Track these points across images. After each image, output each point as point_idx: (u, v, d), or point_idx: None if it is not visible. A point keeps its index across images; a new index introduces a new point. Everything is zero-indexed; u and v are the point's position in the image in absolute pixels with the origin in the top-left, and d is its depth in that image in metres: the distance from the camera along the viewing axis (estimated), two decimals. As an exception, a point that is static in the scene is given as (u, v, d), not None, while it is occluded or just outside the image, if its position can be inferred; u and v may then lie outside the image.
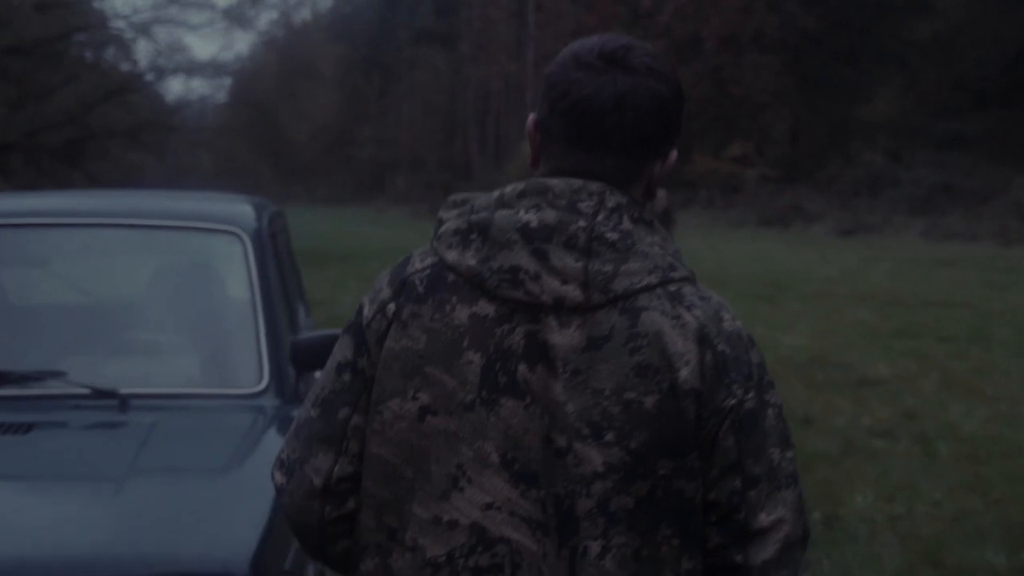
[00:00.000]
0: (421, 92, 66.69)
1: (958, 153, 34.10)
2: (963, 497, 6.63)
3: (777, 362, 9.76)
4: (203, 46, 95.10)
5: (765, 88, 40.55)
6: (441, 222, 1.79)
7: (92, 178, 32.06)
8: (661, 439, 1.65)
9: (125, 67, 42.10)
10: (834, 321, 14.15)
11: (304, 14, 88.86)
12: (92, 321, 4.14)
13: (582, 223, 1.66)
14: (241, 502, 2.98)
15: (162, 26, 37.48)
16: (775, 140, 41.12)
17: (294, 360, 3.76)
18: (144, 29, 36.83)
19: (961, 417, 8.76)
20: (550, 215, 1.66)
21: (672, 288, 1.70)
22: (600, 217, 1.67)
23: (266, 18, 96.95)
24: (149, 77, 40.08)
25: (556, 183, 1.70)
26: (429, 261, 1.77)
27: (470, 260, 1.69)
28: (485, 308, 1.69)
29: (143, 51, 57.98)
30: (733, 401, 1.69)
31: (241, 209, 4.35)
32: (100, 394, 3.48)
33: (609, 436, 1.64)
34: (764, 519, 1.71)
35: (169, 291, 4.25)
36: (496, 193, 1.75)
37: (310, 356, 3.76)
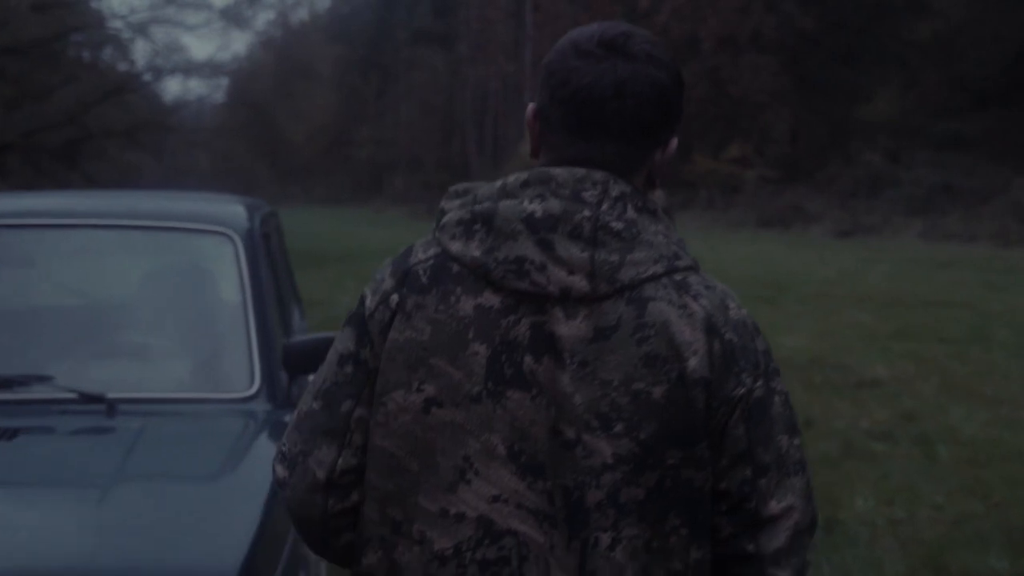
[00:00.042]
0: (419, 92, 66.66)
1: (958, 153, 34.04)
2: (964, 501, 6.57)
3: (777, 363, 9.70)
4: (200, 46, 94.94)
5: (764, 88, 40.47)
6: (443, 212, 1.78)
7: (89, 178, 32.01)
8: (670, 429, 1.65)
9: (122, 67, 42.06)
10: (833, 322, 14.10)
11: (301, 14, 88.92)
12: (79, 324, 4.06)
13: (587, 212, 1.65)
14: (231, 509, 2.91)
15: (159, 26, 37.48)
16: (774, 140, 41.04)
17: (286, 364, 3.69)
18: (141, 29, 36.84)
19: (961, 420, 8.70)
20: (555, 205, 1.65)
21: (678, 277, 1.69)
22: (605, 206, 1.66)
23: (263, 18, 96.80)
24: (147, 77, 40.05)
25: (559, 172, 1.69)
26: (432, 252, 1.75)
27: (474, 251, 1.68)
28: (490, 299, 1.68)
29: (140, 51, 57.93)
30: (743, 390, 1.69)
31: (232, 209, 4.28)
32: (87, 399, 3.41)
33: (618, 427, 1.64)
34: (774, 507, 1.71)
35: (159, 293, 4.17)
36: (499, 183, 1.74)
37: (303, 359, 3.70)
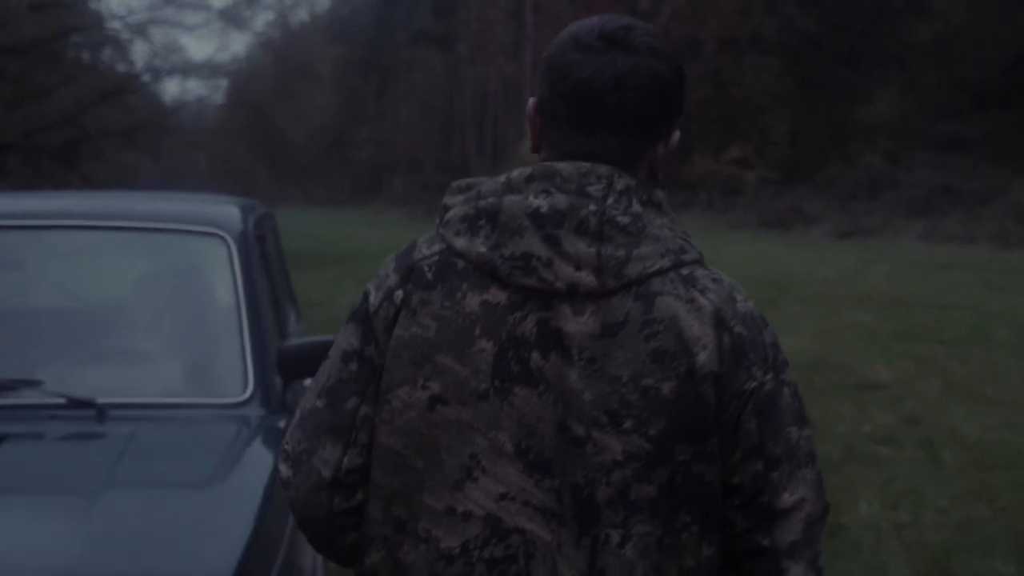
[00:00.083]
0: (419, 93, 66.60)
1: (957, 155, 33.98)
2: (969, 505, 6.50)
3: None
4: (199, 47, 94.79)
5: (765, 90, 40.41)
6: (447, 208, 1.77)
7: (87, 179, 31.95)
8: (679, 425, 1.64)
9: (121, 68, 41.99)
10: (833, 323, 14.05)
11: (301, 15, 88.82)
12: (69, 326, 3.98)
13: (592, 207, 1.64)
14: (222, 517, 2.84)
15: (158, 27, 37.39)
16: (775, 142, 40.98)
17: (281, 368, 3.62)
18: (140, 30, 36.75)
19: (964, 422, 8.63)
20: (560, 200, 1.64)
21: (685, 271, 1.69)
22: (610, 200, 1.65)
23: (262, 19, 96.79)
24: (145, 78, 39.96)
25: (564, 167, 1.68)
26: (437, 248, 1.74)
27: (480, 247, 1.67)
28: (496, 295, 1.67)
29: (139, 52, 57.88)
30: (754, 384, 1.68)
31: (226, 211, 4.20)
32: (77, 404, 3.34)
33: (627, 424, 1.63)
34: (787, 499, 1.70)
35: (150, 296, 4.09)
36: (503, 178, 1.73)
37: (298, 364, 3.63)
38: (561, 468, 1.65)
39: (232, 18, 44.30)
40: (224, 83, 58.95)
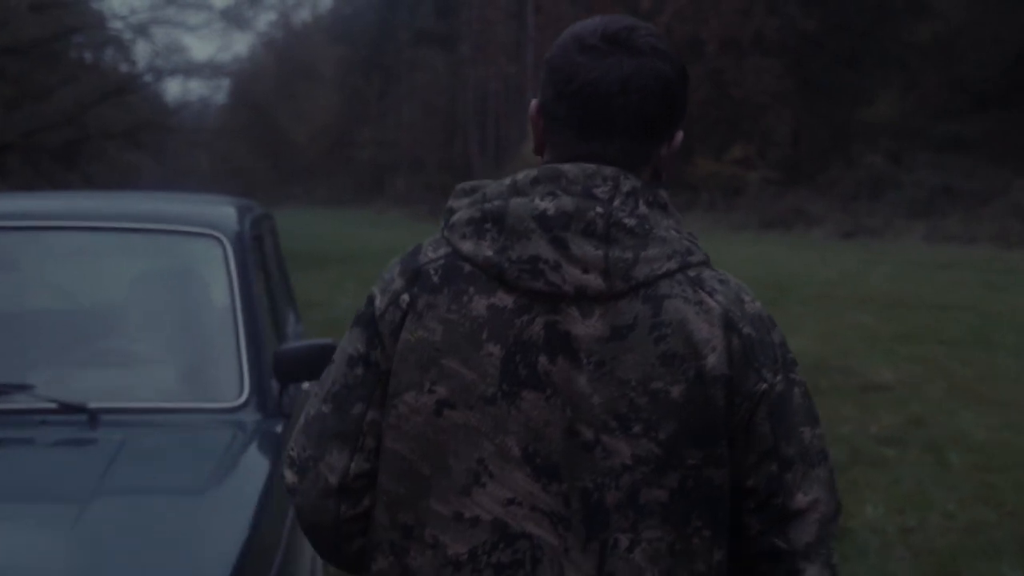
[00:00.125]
0: (421, 93, 66.54)
1: (958, 155, 33.91)
2: (976, 509, 6.42)
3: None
4: (201, 47, 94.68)
5: (766, 90, 40.33)
6: (451, 211, 1.75)
7: (88, 179, 31.90)
8: (689, 428, 1.63)
9: (124, 68, 41.93)
10: (835, 324, 13.99)
11: (303, 15, 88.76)
12: (61, 330, 3.88)
13: (599, 209, 1.62)
14: (216, 525, 2.77)
15: (159, 27, 37.34)
16: (776, 143, 40.92)
17: (277, 371, 3.55)
18: (142, 30, 36.67)
19: (970, 424, 8.56)
20: (567, 202, 1.63)
21: (692, 273, 1.68)
22: (617, 202, 1.64)
23: (264, 19, 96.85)
24: (147, 78, 39.88)
25: (569, 168, 1.66)
26: (442, 251, 1.72)
27: (487, 251, 1.65)
28: (503, 299, 1.66)
29: (141, 52, 57.78)
30: (764, 386, 1.67)
31: (222, 211, 4.12)
32: (68, 409, 3.26)
33: (637, 428, 1.62)
34: (801, 500, 1.70)
35: (144, 298, 4.00)
36: (508, 180, 1.71)
37: (295, 367, 3.56)
38: (569, 472, 1.63)
39: (234, 18, 44.12)
40: (226, 83, 58.93)
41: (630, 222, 1.63)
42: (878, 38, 40.19)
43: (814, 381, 9.84)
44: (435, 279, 1.70)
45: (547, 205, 1.63)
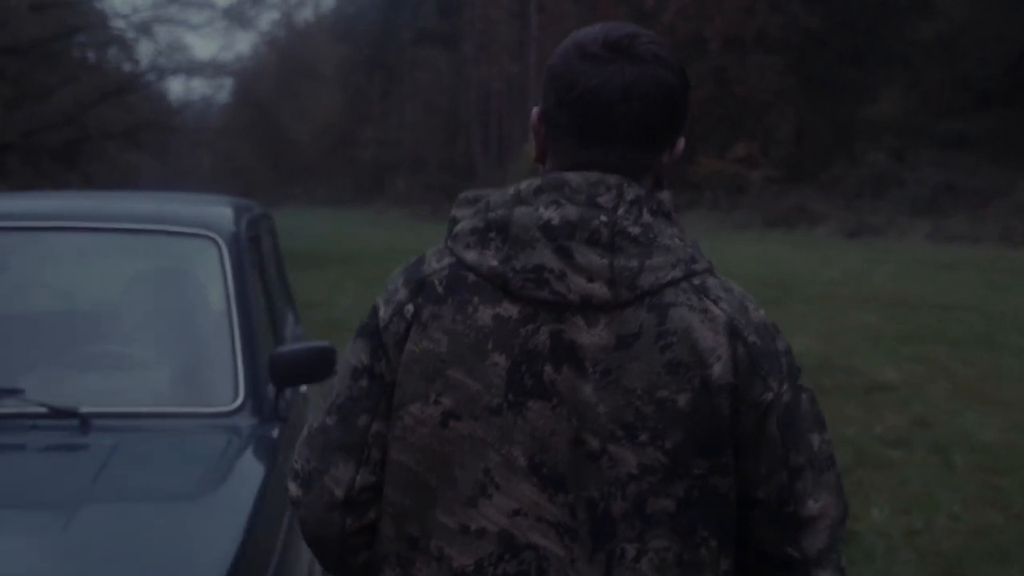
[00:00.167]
0: (423, 93, 66.53)
1: (961, 153, 33.86)
2: (983, 511, 6.35)
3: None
4: (204, 46, 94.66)
5: (769, 88, 40.28)
6: (455, 221, 1.74)
7: (89, 179, 31.87)
8: (695, 437, 1.62)
9: (127, 67, 41.91)
10: (839, 324, 13.92)
11: (306, 14, 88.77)
12: (53, 332, 3.79)
13: (603, 218, 1.62)
14: (208, 532, 2.71)
15: (162, 26, 37.34)
16: (780, 141, 40.86)
17: (273, 375, 3.48)
18: (144, 29, 36.68)
19: (975, 425, 8.48)
20: (571, 211, 1.62)
21: (696, 281, 1.67)
22: (621, 211, 1.63)
23: (267, 18, 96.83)
24: (149, 77, 39.86)
25: (573, 177, 1.66)
26: (446, 261, 1.72)
27: (491, 260, 1.65)
28: (508, 309, 1.65)
29: (143, 51, 57.77)
30: (771, 395, 1.66)
31: (218, 211, 4.04)
32: (59, 413, 3.19)
33: (643, 436, 1.61)
34: (812, 507, 1.69)
35: (138, 300, 3.92)
36: (511, 189, 1.70)
37: (291, 370, 3.50)
38: (575, 483, 1.63)
39: (237, 17, 44.21)
40: (229, 82, 58.97)
41: (634, 231, 1.62)
42: (881, 36, 40.14)
43: (818, 381, 9.79)
44: (439, 289, 1.69)
45: (551, 214, 1.62)
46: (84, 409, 3.20)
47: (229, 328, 3.52)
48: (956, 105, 36.21)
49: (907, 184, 33.54)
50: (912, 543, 5.81)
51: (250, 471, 3.18)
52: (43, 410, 3.20)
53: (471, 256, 1.67)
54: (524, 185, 1.69)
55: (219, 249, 3.69)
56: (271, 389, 3.51)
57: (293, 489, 1.79)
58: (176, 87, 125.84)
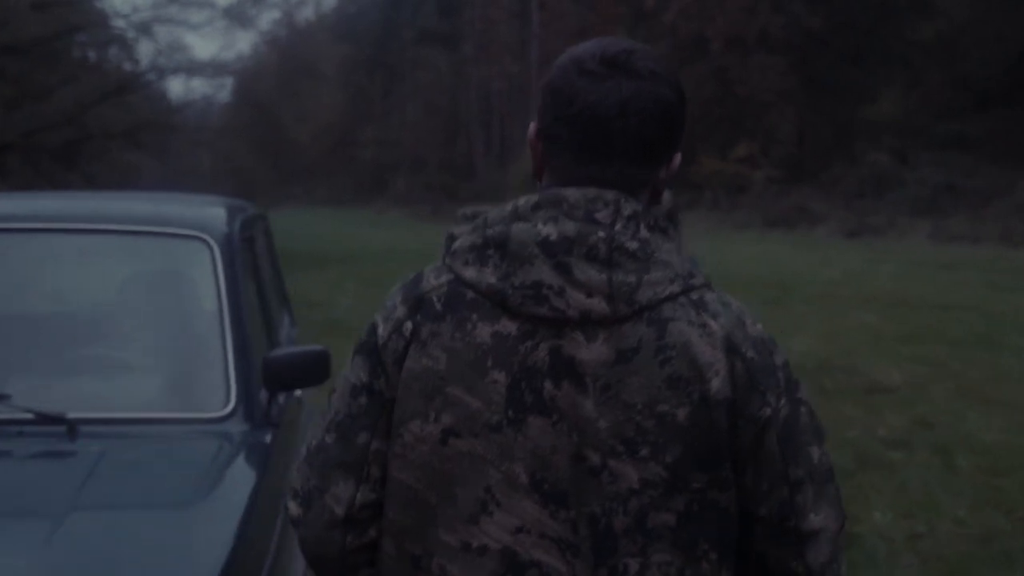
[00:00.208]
0: (424, 93, 66.48)
1: (961, 154, 33.82)
2: (987, 515, 6.27)
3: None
4: (204, 46, 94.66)
5: (771, 88, 40.22)
6: (453, 238, 1.75)
7: (89, 179, 31.83)
8: (694, 452, 1.62)
9: (127, 67, 41.85)
10: (839, 324, 13.87)
11: (307, 13, 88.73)
12: (40, 336, 3.70)
13: (601, 233, 1.62)
14: (197, 542, 2.65)
15: (162, 25, 37.31)
16: (780, 141, 40.80)
17: (266, 379, 3.41)
18: (144, 28, 36.65)
19: (977, 426, 8.42)
20: (569, 227, 1.63)
21: (694, 296, 1.67)
22: (618, 226, 1.63)
23: (268, 17, 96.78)
24: (150, 76, 39.81)
25: (571, 193, 1.66)
26: (445, 278, 1.71)
27: (490, 277, 1.65)
28: (507, 326, 1.65)
29: (144, 51, 57.67)
30: (769, 411, 1.66)
31: (210, 212, 3.97)
32: (46, 419, 3.12)
33: (644, 451, 1.61)
34: (814, 520, 1.70)
35: (128, 303, 3.84)
36: (509, 206, 1.71)
37: (284, 374, 3.43)
38: (577, 498, 1.63)
39: (237, 16, 44.22)
40: (229, 82, 58.93)
41: (632, 246, 1.62)
42: (882, 36, 40.09)
43: (818, 382, 9.75)
44: (438, 307, 1.69)
45: (549, 230, 1.63)
46: (71, 415, 3.14)
47: (221, 331, 3.46)
48: (956, 105, 36.18)
49: (907, 184, 33.52)
50: (914, 547, 5.75)
51: (241, 478, 3.11)
52: (30, 416, 3.13)
53: (470, 273, 1.67)
54: (522, 201, 1.69)
55: (211, 251, 3.62)
56: (263, 394, 3.44)
57: (293, 508, 1.78)
58: (176, 87, 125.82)
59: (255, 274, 4.22)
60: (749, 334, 1.68)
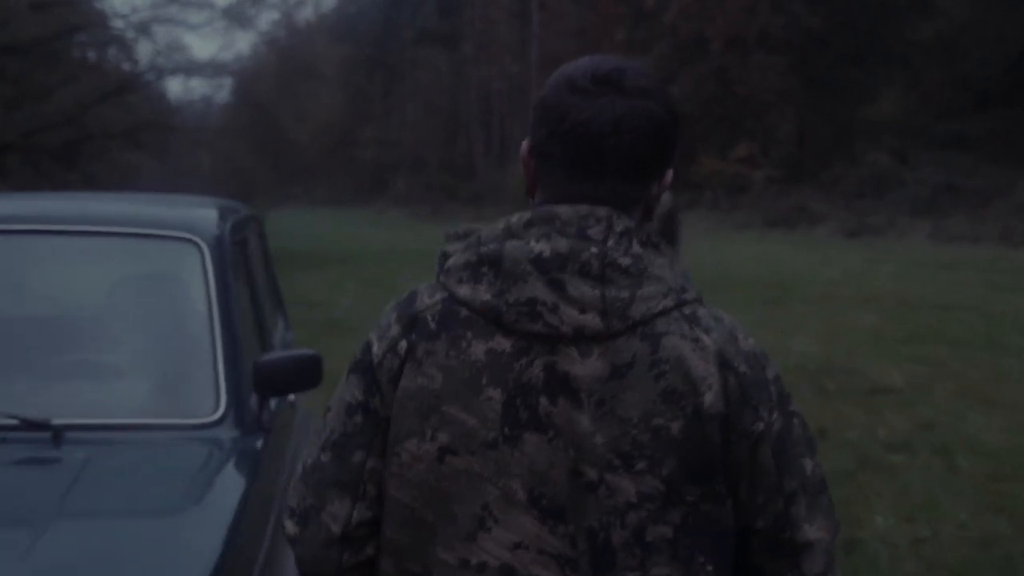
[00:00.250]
0: (424, 93, 66.43)
1: (961, 154, 33.80)
2: (990, 519, 6.21)
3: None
4: (203, 46, 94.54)
5: (771, 88, 40.18)
6: (446, 256, 1.76)
7: (89, 179, 31.80)
8: (687, 465, 1.63)
9: (126, 67, 41.79)
10: (840, 324, 13.82)
11: (306, 13, 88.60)
12: (25, 340, 3.63)
13: (594, 250, 1.63)
14: (184, 551, 2.58)
15: (161, 25, 37.26)
16: (780, 141, 40.77)
17: (257, 384, 3.34)
18: (143, 28, 36.59)
19: (979, 428, 8.37)
20: (561, 244, 1.64)
21: (687, 311, 1.68)
22: (611, 243, 1.65)
23: (267, 18, 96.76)
24: (149, 77, 39.74)
25: (563, 210, 1.67)
26: (439, 296, 1.72)
27: (484, 295, 1.66)
28: (502, 343, 1.66)
29: (143, 51, 57.62)
30: (762, 425, 1.67)
31: (201, 214, 3.91)
32: (30, 425, 3.05)
33: (640, 465, 1.62)
34: (809, 532, 1.71)
35: (116, 306, 3.76)
36: (502, 223, 1.72)
37: (275, 379, 3.37)
38: (575, 513, 1.64)
39: (236, 17, 44.03)
40: (229, 82, 58.84)
41: (625, 261, 1.63)
42: (882, 36, 40.07)
43: (819, 383, 9.70)
44: (432, 325, 1.70)
45: (542, 247, 1.64)
46: (57, 421, 3.07)
47: (211, 336, 3.39)
48: (956, 105, 36.17)
49: (907, 184, 33.50)
50: (917, 552, 5.68)
51: (230, 485, 3.05)
52: (13, 422, 3.06)
53: (464, 291, 1.67)
54: (515, 219, 1.70)
55: (201, 253, 3.55)
56: (254, 399, 3.38)
57: (290, 527, 1.78)
58: (176, 87, 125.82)
59: (247, 277, 4.16)
60: (741, 349, 1.69)
